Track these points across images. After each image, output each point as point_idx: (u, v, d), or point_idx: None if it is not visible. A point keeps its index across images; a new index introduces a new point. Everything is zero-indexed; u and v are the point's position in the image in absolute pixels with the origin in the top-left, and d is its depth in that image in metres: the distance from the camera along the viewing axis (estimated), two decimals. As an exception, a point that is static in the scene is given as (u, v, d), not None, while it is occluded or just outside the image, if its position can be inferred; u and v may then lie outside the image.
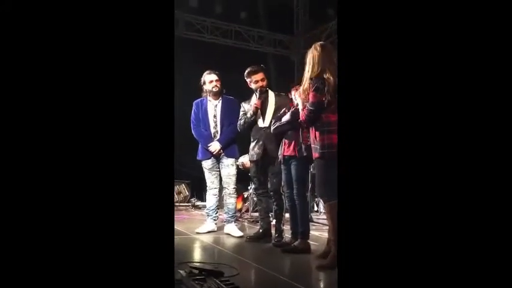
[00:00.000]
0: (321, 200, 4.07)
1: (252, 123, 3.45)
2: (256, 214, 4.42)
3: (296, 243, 2.95)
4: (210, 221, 3.91)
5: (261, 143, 3.38)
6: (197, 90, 3.96)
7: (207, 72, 3.87)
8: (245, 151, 4.29)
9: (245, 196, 5.72)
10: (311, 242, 3.01)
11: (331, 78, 2.38)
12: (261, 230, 3.47)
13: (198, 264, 2.32)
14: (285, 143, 3.06)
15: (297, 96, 2.73)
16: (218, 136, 3.81)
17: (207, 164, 3.88)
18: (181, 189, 7.30)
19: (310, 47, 2.58)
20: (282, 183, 3.30)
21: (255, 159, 3.44)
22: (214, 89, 3.80)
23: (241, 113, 3.56)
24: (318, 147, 2.45)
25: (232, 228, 3.75)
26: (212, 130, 3.84)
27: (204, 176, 3.97)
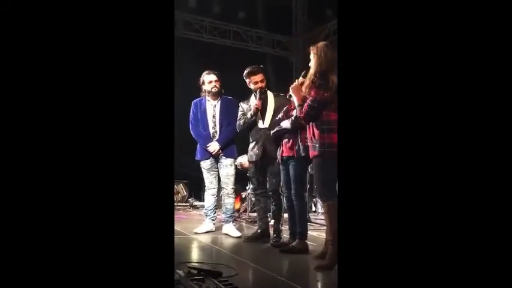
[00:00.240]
0: (319, 200, 4.08)
1: (252, 124, 3.45)
2: (254, 214, 4.42)
3: (294, 243, 2.95)
4: (208, 221, 3.91)
5: (260, 144, 3.38)
6: (196, 90, 3.95)
7: (206, 72, 3.86)
8: (243, 151, 4.29)
9: (243, 196, 5.72)
10: (309, 243, 3.01)
11: (335, 77, 2.38)
12: (259, 230, 3.47)
13: (196, 264, 2.32)
14: (283, 144, 3.06)
15: (292, 92, 2.72)
16: (217, 136, 3.80)
17: (205, 164, 3.87)
18: (179, 189, 7.30)
19: (309, 47, 2.58)
20: (281, 184, 3.31)
21: (254, 159, 3.44)
22: (213, 90, 3.80)
23: (239, 113, 3.56)
24: (318, 145, 2.44)
25: (230, 229, 3.74)
26: (211, 130, 3.83)
27: (202, 176, 3.97)
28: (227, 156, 3.81)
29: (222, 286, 1.79)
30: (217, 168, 3.87)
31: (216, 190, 3.94)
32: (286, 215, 3.30)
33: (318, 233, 3.87)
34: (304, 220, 3.08)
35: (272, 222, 3.44)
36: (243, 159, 4.93)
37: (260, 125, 3.41)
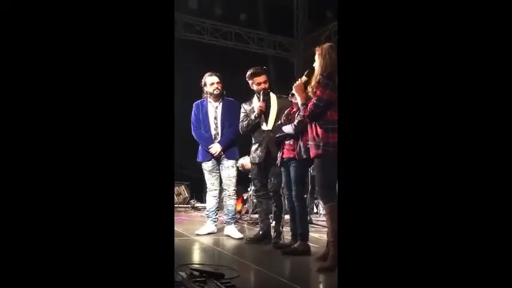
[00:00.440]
0: (321, 202, 4.07)
1: (255, 125, 3.44)
2: (256, 216, 4.41)
3: (296, 245, 2.95)
4: (210, 223, 3.91)
5: (264, 146, 3.37)
6: (197, 92, 3.95)
7: (208, 74, 3.85)
8: (245, 153, 4.29)
9: (245, 198, 5.72)
10: (311, 244, 3.00)
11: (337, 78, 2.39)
12: (261, 232, 3.47)
13: (198, 266, 2.32)
14: (284, 145, 3.06)
15: (295, 90, 2.71)
16: (219, 138, 3.80)
17: (207, 166, 3.87)
18: (181, 191, 7.29)
19: (311, 48, 2.60)
20: (282, 185, 3.30)
21: (257, 161, 3.43)
22: (215, 92, 3.79)
23: (242, 114, 3.55)
24: (322, 144, 2.44)
25: (232, 230, 3.74)
26: (213, 132, 3.83)
27: (203, 177, 3.97)
28: (229, 158, 3.81)
29: (224, 288, 1.79)
30: (219, 169, 3.86)
31: (217, 192, 3.94)
32: (287, 217, 3.30)
33: (319, 234, 3.86)
34: (305, 221, 3.07)
35: (273, 223, 3.43)
36: (245, 161, 4.93)
37: (263, 127, 3.41)
